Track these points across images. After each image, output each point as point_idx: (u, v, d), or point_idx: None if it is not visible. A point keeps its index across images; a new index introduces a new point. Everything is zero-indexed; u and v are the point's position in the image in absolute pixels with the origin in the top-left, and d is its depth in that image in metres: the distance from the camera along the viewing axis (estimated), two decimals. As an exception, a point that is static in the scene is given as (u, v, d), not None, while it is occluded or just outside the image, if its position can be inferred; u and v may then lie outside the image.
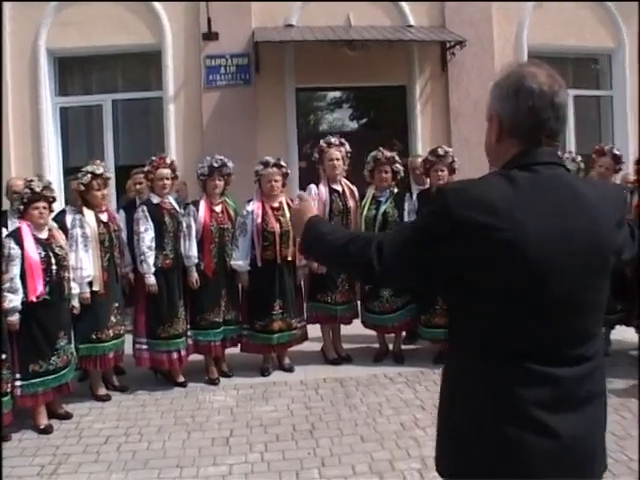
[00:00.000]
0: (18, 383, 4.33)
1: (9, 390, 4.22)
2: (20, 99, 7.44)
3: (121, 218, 5.40)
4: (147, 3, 7.50)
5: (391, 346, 5.80)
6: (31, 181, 4.52)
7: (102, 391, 5.06)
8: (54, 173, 7.61)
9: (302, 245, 1.86)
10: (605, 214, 1.50)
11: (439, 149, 5.43)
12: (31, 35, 7.36)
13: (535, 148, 1.52)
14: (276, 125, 7.71)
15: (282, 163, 5.39)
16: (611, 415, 1.71)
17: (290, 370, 5.56)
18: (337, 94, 8.46)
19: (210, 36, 7.45)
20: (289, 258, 5.37)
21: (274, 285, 5.35)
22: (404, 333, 5.93)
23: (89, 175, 4.90)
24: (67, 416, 4.66)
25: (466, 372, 1.57)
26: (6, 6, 7.08)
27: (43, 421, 4.45)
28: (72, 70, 7.97)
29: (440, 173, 5.39)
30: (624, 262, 1.68)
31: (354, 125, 8.61)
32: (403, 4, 7.74)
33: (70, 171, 7.92)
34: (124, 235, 5.27)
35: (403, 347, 5.90)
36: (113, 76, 7.99)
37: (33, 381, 4.36)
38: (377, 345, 5.88)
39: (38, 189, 4.48)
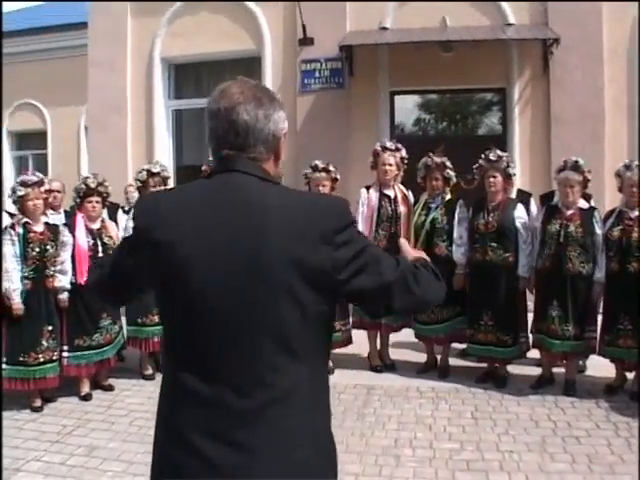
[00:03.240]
0: (65, 354, 4.90)
1: (55, 358, 4.81)
2: (137, 103, 8.31)
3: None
4: (248, 11, 7.93)
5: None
6: (87, 178, 5.08)
7: (149, 371, 5.50)
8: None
9: None
10: (283, 227, 1.39)
11: (491, 154, 5.09)
12: (148, 45, 8.19)
13: (220, 159, 1.50)
14: (369, 128, 7.70)
15: (331, 168, 5.43)
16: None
17: (330, 372, 5.55)
18: (432, 97, 8.22)
19: (305, 41, 7.68)
20: (338, 261, 5.38)
21: (319, 287, 5.39)
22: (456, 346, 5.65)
23: (145, 172, 5.37)
24: (109, 388, 5.17)
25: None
26: (128, 20, 7.99)
27: (84, 389, 4.98)
28: (186, 75, 8.69)
29: (492, 179, 5.05)
30: (358, 288, 1.44)
31: (449, 129, 8.30)
32: (502, 2, 7.29)
33: (183, 169, 8.69)
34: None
35: (457, 361, 5.64)
36: (218, 81, 8.50)
37: (77, 354, 4.91)
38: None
39: (92, 185, 5.03)
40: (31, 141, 12.38)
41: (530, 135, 7.37)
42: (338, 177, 5.48)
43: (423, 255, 1.72)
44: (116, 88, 8.17)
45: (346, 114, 7.77)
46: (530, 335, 5.10)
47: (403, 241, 1.81)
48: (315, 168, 5.43)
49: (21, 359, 4.62)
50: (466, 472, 3.66)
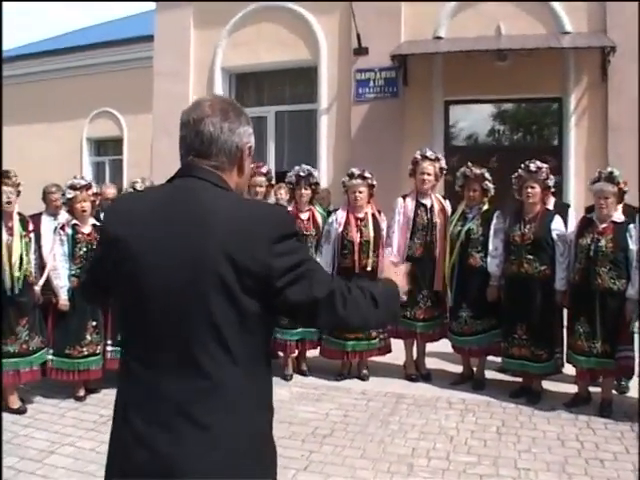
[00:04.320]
0: (109, 348, 5.19)
1: (99, 352, 5.10)
2: (199, 112, 8.61)
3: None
4: (305, 21, 8.09)
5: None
6: (135, 182, 5.37)
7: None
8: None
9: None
10: (225, 230, 1.48)
11: (531, 164, 4.98)
12: (210, 55, 8.51)
13: (183, 165, 1.63)
14: (423, 137, 7.66)
15: (367, 174, 5.48)
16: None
17: (364, 379, 5.62)
18: (487, 106, 8.06)
19: (360, 51, 7.76)
20: (368, 268, 5.43)
21: (351, 293, 5.45)
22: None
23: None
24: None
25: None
26: (191, 32, 8.37)
27: (125, 382, 5.26)
28: (246, 84, 8.97)
29: (530, 190, 4.94)
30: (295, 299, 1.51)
31: (504, 139, 8.12)
32: (559, 9, 7.09)
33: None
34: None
35: (494, 375, 5.53)
36: (275, 90, 8.79)
37: (120, 348, 5.19)
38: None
39: (140, 189, 5.31)
40: (108, 147, 13.05)
41: (587, 145, 7.12)
42: (374, 183, 5.52)
43: (399, 278, 1.85)
44: (179, 97, 8.52)
45: (400, 123, 7.78)
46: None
47: (387, 250, 1.89)
48: (351, 175, 5.49)
49: (67, 352, 4.94)
50: (477, 486, 3.62)
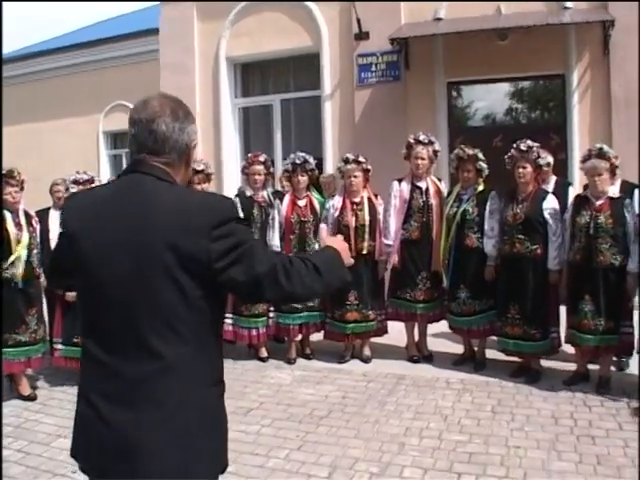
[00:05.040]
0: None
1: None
2: (205, 102, 8.73)
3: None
4: (306, 9, 8.11)
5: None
6: None
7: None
8: (232, 165, 8.77)
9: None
10: (166, 220, 1.59)
11: (522, 144, 4.96)
12: (214, 46, 8.58)
13: (133, 161, 1.74)
14: (426, 120, 7.63)
15: (361, 159, 5.52)
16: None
17: (366, 361, 5.70)
18: (489, 86, 7.96)
19: (361, 36, 7.75)
20: (364, 251, 5.49)
21: (348, 276, 5.51)
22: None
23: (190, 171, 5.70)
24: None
25: None
26: (194, 24, 8.47)
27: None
28: (251, 74, 9.02)
29: (522, 170, 4.93)
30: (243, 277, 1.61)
31: (508, 118, 8.02)
32: (558, -17, 6.97)
33: (250, 164, 9.02)
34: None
35: (497, 354, 5.54)
36: (280, 78, 8.83)
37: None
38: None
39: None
40: (125, 140, 13.26)
41: (590, 122, 7.01)
42: (369, 168, 5.57)
43: (338, 245, 1.89)
44: (185, 89, 8.61)
45: (403, 106, 7.77)
46: (563, 330, 4.95)
47: (322, 226, 1.95)
48: (346, 160, 5.55)
49: (75, 340, 5.10)
50: (465, 464, 3.66)
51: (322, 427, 4.30)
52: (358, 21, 7.64)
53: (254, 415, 4.54)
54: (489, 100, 7.99)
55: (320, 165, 7.94)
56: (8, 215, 4.87)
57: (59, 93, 12.37)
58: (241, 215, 1.83)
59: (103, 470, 1.62)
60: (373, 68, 7.83)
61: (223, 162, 8.72)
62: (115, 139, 13.41)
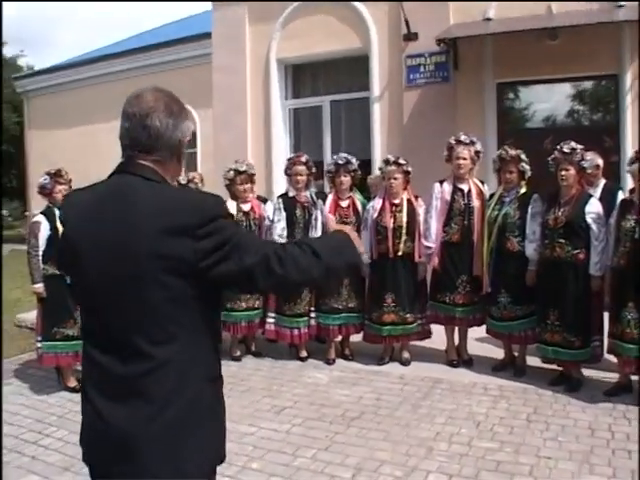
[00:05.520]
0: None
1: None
2: (256, 103, 8.86)
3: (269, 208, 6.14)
4: (355, 11, 8.11)
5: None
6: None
7: (236, 353, 5.99)
8: (282, 167, 8.84)
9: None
10: (151, 221, 1.59)
11: (565, 146, 4.82)
12: (264, 48, 8.70)
13: (124, 159, 1.75)
14: (475, 121, 7.51)
15: (401, 161, 5.50)
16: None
17: (405, 364, 5.67)
18: (539, 87, 7.73)
19: (410, 36, 7.69)
20: (399, 253, 5.46)
21: (386, 278, 5.52)
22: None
23: (232, 172, 5.83)
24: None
25: None
26: (246, 26, 8.63)
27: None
28: (301, 75, 9.09)
29: (564, 172, 4.79)
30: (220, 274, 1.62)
31: (559, 120, 7.76)
32: (611, -21, 6.69)
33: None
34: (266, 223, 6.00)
35: (538, 362, 5.42)
36: (330, 79, 8.86)
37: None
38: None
39: (183, 182, 5.61)
40: (182, 139, 13.62)
41: (643, 124, 6.74)
42: (409, 170, 5.53)
43: (345, 229, 1.89)
44: (237, 90, 8.81)
45: (451, 108, 7.66)
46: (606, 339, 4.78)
47: (329, 216, 1.96)
48: (387, 162, 5.54)
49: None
50: (491, 472, 3.61)
51: (352, 428, 4.32)
52: (406, 22, 7.59)
53: (286, 414, 4.61)
54: (539, 101, 7.78)
55: (369, 166, 7.95)
56: (58, 213, 5.12)
57: (121, 95, 12.80)
58: (229, 211, 1.81)
59: (103, 466, 1.69)
60: (422, 69, 7.76)
61: (273, 163, 8.83)
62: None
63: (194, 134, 13.14)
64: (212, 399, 1.75)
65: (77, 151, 14.29)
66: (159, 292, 1.60)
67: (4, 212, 35.96)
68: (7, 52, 24.86)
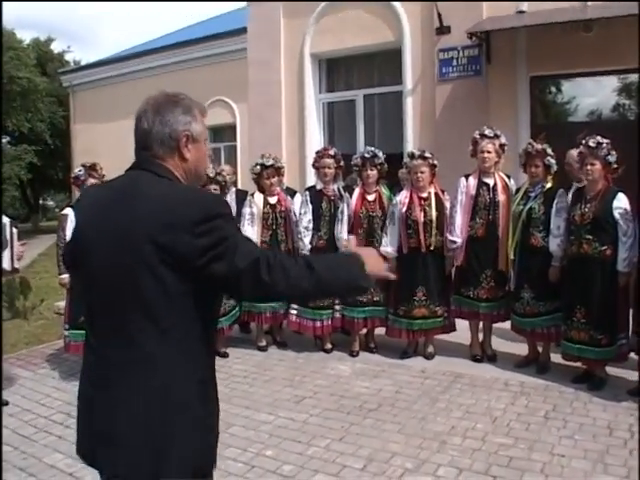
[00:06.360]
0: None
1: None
2: (291, 97, 8.95)
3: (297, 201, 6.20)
4: (388, 5, 8.11)
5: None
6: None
7: (262, 343, 6.10)
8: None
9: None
10: (152, 215, 1.65)
11: (591, 140, 4.72)
12: (299, 43, 8.78)
13: (136, 158, 1.86)
14: (508, 115, 7.43)
15: (427, 155, 5.48)
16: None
17: (429, 358, 5.67)
18: (573, 81, 7.56)
19: (442, 30, 7.64)
20: (431, 247, 5.47)
21: (417, 273, 5.52)
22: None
23: (259, 166, 5.92)
24: (224, 355, 5.81)
25: None
26: (280, 22, 8.70)
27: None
28: (334, 69, 9.13)
29: (590, 167, 4.69)
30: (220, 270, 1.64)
31: (595, 114, 7.58)
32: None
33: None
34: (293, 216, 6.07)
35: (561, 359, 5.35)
36: (363, 73, 8.87)
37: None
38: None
39: (212, 175, 5.72)
40: (224, 134, 13.77)
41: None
42: (436, 163, 5.51)
43: (365, 253, 1.85)
44: (272, 84, 8.92)
45: (484, 101, 7.59)
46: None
47: (351, 237, 1.98)
48: (412, 156, 5.54)
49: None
50: (503, 468, 3.60)
51: (368, 420, 4.37)
52: (439, 16, 7.55)
53: (305, 404, 4.69)
54: (574, 95, 7.62)
55: (401, 160, 7.93)
56: None
57: (155, 90, 13.05)
58: (230, 211, 1.86)
59: (90, 452, 1.77)
60: (454, 63, 7.71)
61: (307, 157, 8.90)
62: (214, 133, 14.00)
63: (233, 127, 13.32)
64: (198, 401, 1.75)
65: (119, 145, 14.58)
66: (153, 284, 1.64)
67: (51, 203, 37.19)
68: (55, 47, 25.61)
